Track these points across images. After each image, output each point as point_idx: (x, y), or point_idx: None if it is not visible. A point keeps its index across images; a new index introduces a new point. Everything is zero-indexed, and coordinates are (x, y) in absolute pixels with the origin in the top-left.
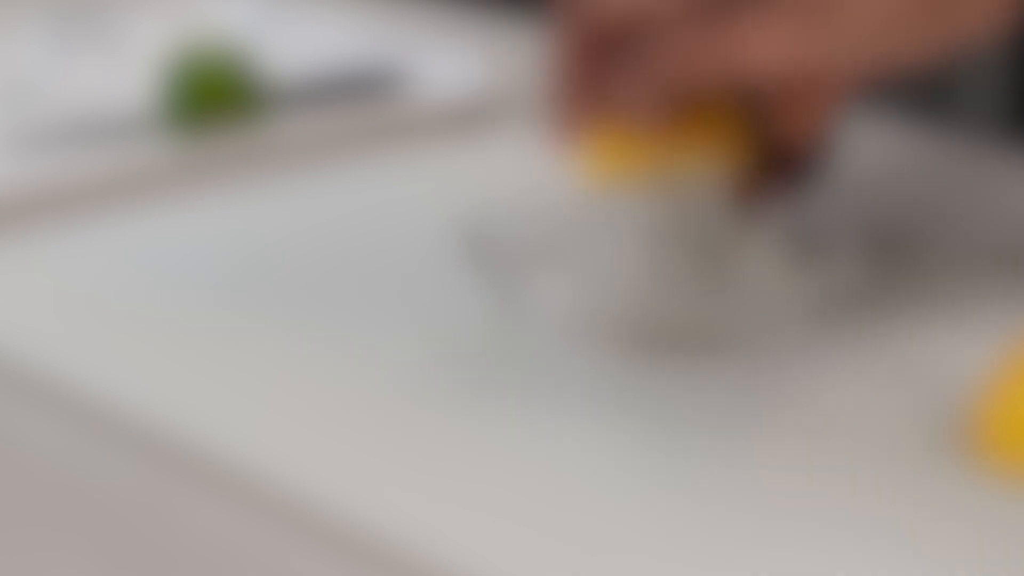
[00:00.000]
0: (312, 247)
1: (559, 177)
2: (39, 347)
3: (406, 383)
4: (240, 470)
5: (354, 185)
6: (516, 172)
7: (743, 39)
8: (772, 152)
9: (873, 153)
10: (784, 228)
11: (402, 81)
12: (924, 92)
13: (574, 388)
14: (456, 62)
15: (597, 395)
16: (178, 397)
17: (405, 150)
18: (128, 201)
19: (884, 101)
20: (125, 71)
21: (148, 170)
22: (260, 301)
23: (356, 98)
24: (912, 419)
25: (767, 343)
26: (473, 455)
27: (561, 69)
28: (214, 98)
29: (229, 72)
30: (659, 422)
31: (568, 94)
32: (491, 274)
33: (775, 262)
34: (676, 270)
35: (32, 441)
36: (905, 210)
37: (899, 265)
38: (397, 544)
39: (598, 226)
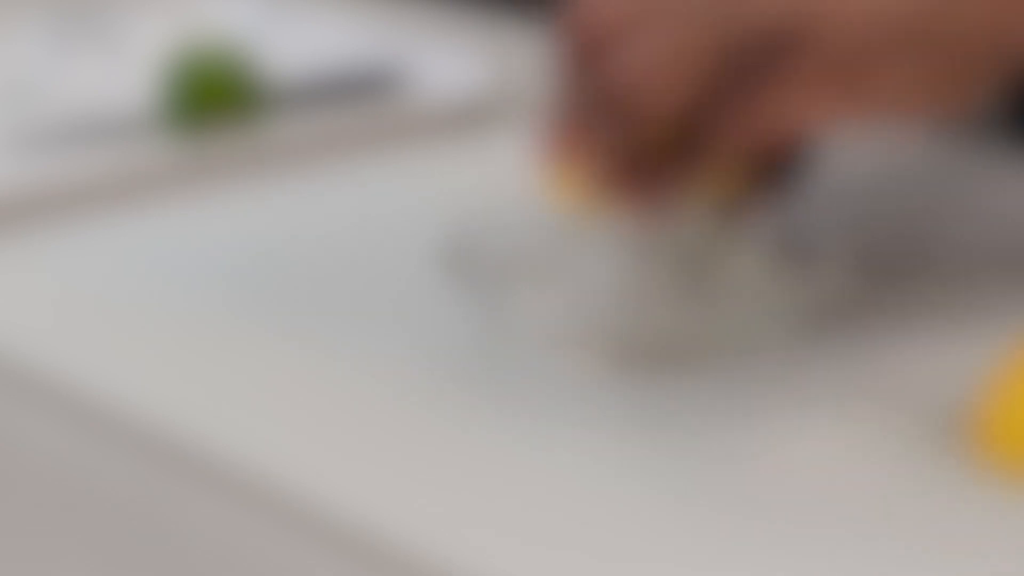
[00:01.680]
0: (311, 248)
1: (543, 196)
2: (39, 347)
3: (400, 388)
4: (239, 470)
5: (354, 185)
6: (515, 173)
7: (788, 102)
8: (758, 160)
9: (868, 153)
10: (769, 237)
11: (402, 81)
12: None
13: (561, 398)
14: (456, 62)
15: (583, 405)
16: (177, 397)
17: (405, 150)
18: (128, 201)
19: None
20: (125, 71)
21: (148, 170)
22: (259, 302)
23: (356, 98)
24: (910, 421)
25: (757, 353)
26: (461, 459)
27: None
28: (214, 98)
29: (229, 72)
30: (648, 432)
31: (620, 176)
32: (475, 287)
33: (761, 272)
34: (661, 282)
35: (32, 441)
36: (901, 211)
37: (895, 268)
38: (390, 543)
39: (583, 239)
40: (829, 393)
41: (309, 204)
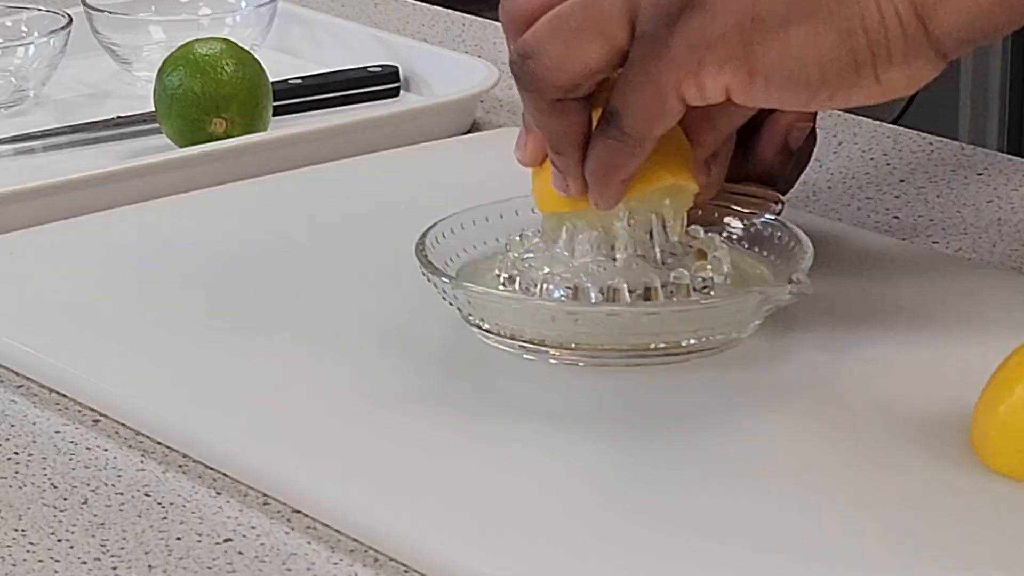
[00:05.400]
0: (311, 248)
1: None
2: (38, 346)
3: (376, 382)
4: (234, 469)
5: (354, 185)
6: (515, 172)
7: (687, 61)
8: (755, 169)
9: (866, 153)
10: (751, 235)
11: (405, 82)
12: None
13: (532, 396)
14: (458, 63)
15: (558, 403)
16: (174, 397)
17: (406, 150)
18: (128, 201)
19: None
20: (127, 71)
21: (148, 170)
22: (255, 301)
23: (356, 98)
24: (905, 423)
25: (739, 352)
26: (433, 453)
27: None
28: (216, 99)
29: (231, 72)
30: (627, 431)
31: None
32: (444, 284)
33: (739, 270)
34: (634, 280)
35: (31, 440)
36: (898, 212)
37: (891, 267)
38: (369, 536)
39: (557, 238)
40: (820, 393)
41: (309, 204)
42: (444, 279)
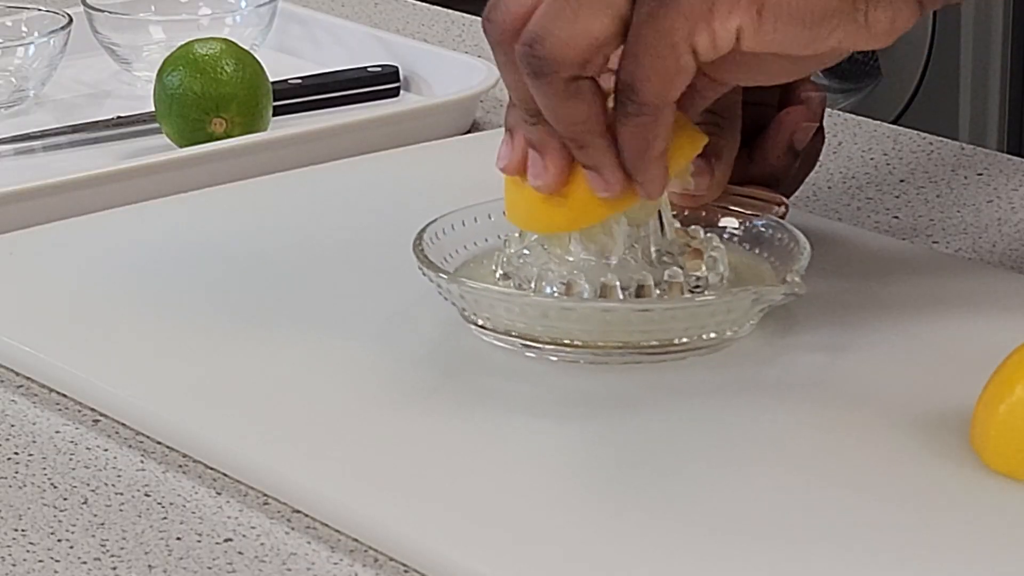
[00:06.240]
0: (311, 247)
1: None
2: (38, 346)
3: (390, 386)
4: (234, 469)
5: (354, 185)
6: None
7: (694, 9)
8: (759, 171)
9: (866, 153)
10: (744, 238)
11: (404, 82)
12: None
13: (531, 394)
14: (456, 62)
15: (552, 400)
16: (174, 397)
17: (405, 150)
18: (128, 201)
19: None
20: (128, 71)
21: (148, 170)
22: (255, 301)
23: (356, 98)
24: (906, 421)
25: (737, 349)
26: (429, 450)
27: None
28: (216, 98)
29: (231, 72)
30: (621, 426)
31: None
32: (439, 279)
33: (732, 272)
34: (626, 276)
35: (31, 440)
36: (899, 210)
37: (892, 267)
38: (364, 534)
39: (554, 234)
40: (820, 392)
41: (309, 204)
42: (440, 275)
